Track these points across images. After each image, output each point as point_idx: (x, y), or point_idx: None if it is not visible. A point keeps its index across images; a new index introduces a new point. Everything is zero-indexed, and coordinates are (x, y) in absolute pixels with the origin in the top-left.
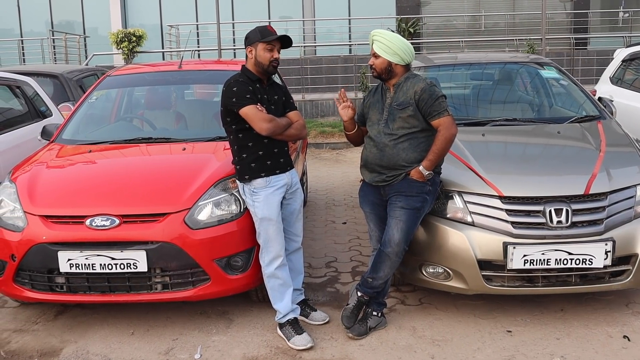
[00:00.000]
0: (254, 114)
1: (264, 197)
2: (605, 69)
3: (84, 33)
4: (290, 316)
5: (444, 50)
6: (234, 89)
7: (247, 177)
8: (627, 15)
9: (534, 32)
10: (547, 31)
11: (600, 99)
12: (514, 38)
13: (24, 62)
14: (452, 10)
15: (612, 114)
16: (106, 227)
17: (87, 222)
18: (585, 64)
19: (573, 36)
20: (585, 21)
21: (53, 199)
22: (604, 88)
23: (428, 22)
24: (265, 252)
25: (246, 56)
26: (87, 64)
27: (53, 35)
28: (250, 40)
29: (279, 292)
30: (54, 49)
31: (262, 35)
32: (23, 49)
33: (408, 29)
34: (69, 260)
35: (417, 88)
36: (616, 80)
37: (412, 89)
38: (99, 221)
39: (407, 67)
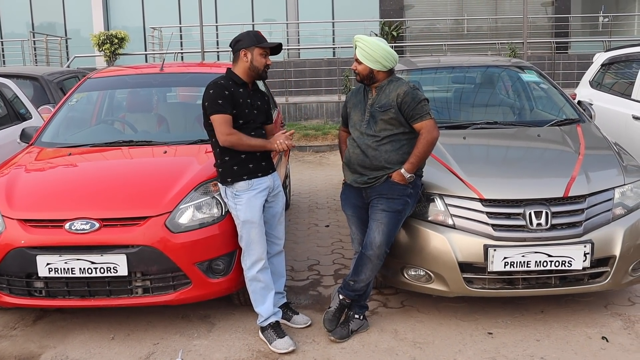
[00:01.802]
0: (220, 124)
1: (246, 200)
2: (585, 72)
3: (66, 35)
4: (272, 319)
5: (427, 53)
6: (210, 91)
7: (229, 179)
8: (606, 20)
9: (516, 36)
10: (528, 35)
11: (579, 102)
12: (496, 42)
13: (4, 64)
14: (435, 14)
15: (591, 117)
16: (86, 231)
17: (67, 225)
18: (566, 68)
19: (554, 40)
20: (567, 25)
21: (31, 203)
22: (584, 92)
23: (411, 25)
24: (247, 255)
25: (235, 59)
26: (68, 66)
27: (34, 37)
28: (246, 43)
29: (261, 295)
30: (35, 50)
31: (259, 40)
32: (3, 51)
33: (391, 33)
34: (47, 264)
35: (400, 91)
36: (595, 84)
37: (394, 91)
38: (78, 225)
39: (389, 71)
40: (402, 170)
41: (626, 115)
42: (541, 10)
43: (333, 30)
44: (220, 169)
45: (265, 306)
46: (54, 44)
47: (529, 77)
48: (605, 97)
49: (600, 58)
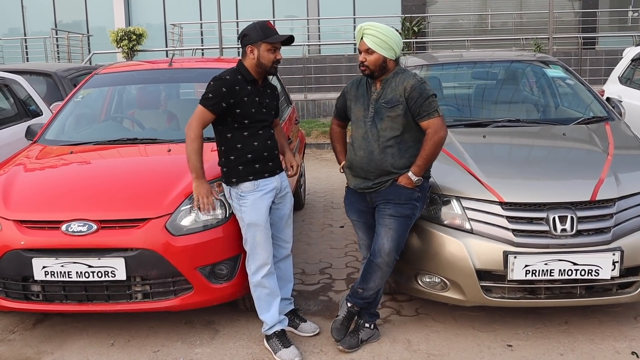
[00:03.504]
0: (197, 115)
1: (251, 201)
2: (613, 68)
3: (88, 32)
4: (277, 328)
5: (449, 49)
6: (211, 83)
7: (234, 180)
8: (636, 14)
9: (542, 32)
10: (554, 30)
11: (608, 99)
12: (521, 37)
13: (28, 60)
14: (458, 9)
15: (620, 115)
16: (83, 233)
17: (63, 227)
18: (594, 64)
19: (581, 35)
20: (594, 20)
21: (28, 203)
22: (613, 88)
23: (433, 21)
24: (251, 260)
25: (243, 54)
26: (89, 62)
27: (56, 34)
28: (252, 39)
29: (266, 302)
30: (57, 47)
31: (265, 35)
32: (27, 48)
33: (412, 28)
34: (43, 267)
35: (407, 85)
36: (625, 80)
37: (401, 85)
38: (75, 227)
39: (397, 61)
40: (410, 174)
41: None
42: (567, 5)
43: (354, 27)
44: (224, 169)
45: (270, 314)
46: (76, 41)
47: (554, 72)
48: (636, 94)
49: (630, 53)
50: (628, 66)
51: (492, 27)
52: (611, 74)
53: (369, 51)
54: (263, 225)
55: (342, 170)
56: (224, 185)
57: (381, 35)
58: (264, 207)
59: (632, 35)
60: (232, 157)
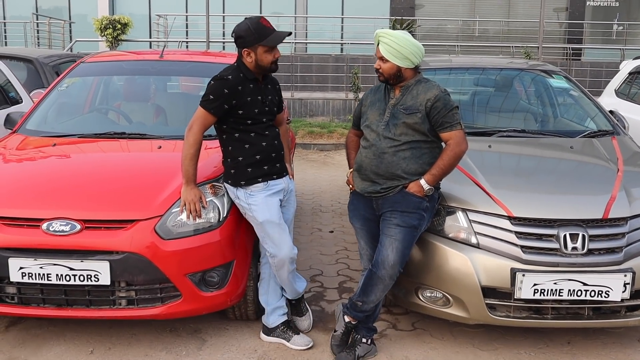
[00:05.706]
0: (197, 117)
1: (262, 199)
2: (598, 80)
3: (70, 19)
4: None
5: (438, 54)
6: (212, 82)
7: (242, 182)
8: (621, 28)
9: (528, 40)
10: (543, 40)
11: (611, 112)
12: (510, 45)
13: (6, 45)
14: (447, 14)
15: (624, 128)
16: (65, 233)
17: (44, 226)
18: (579, 75)
19: (570, 46)
20: (580, 32)
21: (6, 198)
22: (608, 100)
23: (422, 24)
24: (275, 257)
25: (240, 55)
26: (70, 50)
27: (37, 20)
28: (247, 42)
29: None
30: (38, 33)
31: (261, 37)
32: (5, 32)
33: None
34: (21, 268)
35: (431, 95)
36: (621, 93)
37: (423, 94)
38: (57, 226)
39: (416, 69)
40: (422, 181)
41: None
42: (553, 16)
43: (342, 26)
44: (232, 170)
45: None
46: (57, 27)
47: (557, 82)
48: (633, 108)
49: (627, 66)
50: (625, 79)
51: (479, 33)
52: (607, 86)
53: (383, 59)
54: (277, 222)
55: (348, 175)
56: (227, 186)
57: (395, 45)
58: (275, 204)
59: (620, 49)
60: (240, 158)
